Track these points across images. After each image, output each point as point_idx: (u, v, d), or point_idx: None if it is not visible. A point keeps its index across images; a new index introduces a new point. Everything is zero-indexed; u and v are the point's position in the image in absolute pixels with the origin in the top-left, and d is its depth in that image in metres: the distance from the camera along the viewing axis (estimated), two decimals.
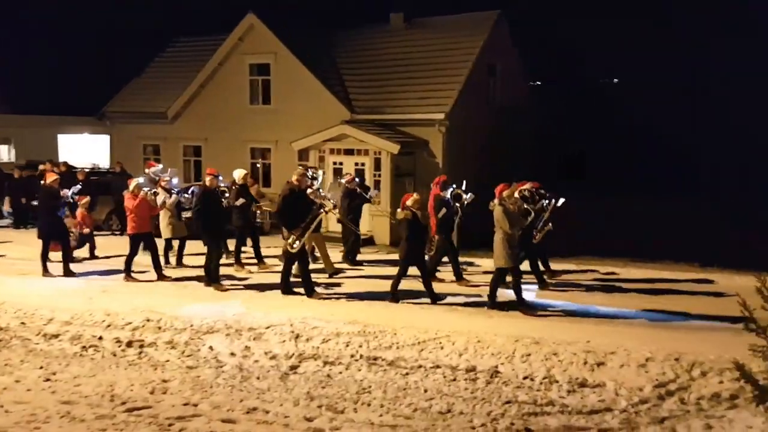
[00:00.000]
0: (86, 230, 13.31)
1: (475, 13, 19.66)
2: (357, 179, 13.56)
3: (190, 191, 12.81)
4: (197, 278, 11.34)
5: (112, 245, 14.06)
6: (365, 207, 13.99)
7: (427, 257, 11.13)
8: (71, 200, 12.39)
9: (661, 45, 27.75)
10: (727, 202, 18.55)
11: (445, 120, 16.93)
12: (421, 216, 10.28)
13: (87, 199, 13.47)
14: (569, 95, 26.71)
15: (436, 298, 10.09)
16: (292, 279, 10.50)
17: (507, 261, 9.58)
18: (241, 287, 11.09)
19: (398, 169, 16.82)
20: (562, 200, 11.44)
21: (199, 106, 20.69)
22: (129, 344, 8.21)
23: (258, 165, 19.72)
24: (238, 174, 12.59)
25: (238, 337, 8.28)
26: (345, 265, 12.86)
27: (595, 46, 29.33)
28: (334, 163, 17.25)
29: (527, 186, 10.87)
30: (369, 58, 19.74)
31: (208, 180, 11.01)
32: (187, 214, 12.54)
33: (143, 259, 11.67)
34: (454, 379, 7.09)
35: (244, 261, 12.41)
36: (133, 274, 11.41)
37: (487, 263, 12.73)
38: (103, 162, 25.59)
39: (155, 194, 11.82)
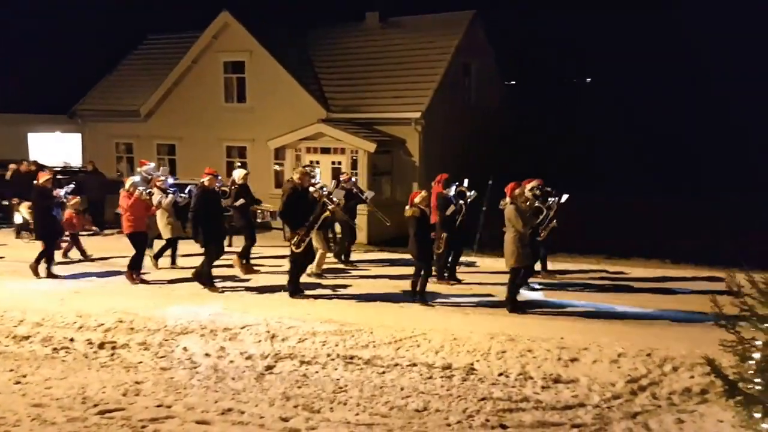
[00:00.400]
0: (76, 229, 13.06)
1: (450, 13, 19.75)
2: (353, 179, 13.42)
3: (187, 191, 12.65)
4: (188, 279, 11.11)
5: (92, 246, 13.75)
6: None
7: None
8: (64, 200, 12.12)
9: (634, 45, 28.08)
10: (706, 198, 18.76)
11: (421, 119, 16.98)
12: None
13: (77, 199, 13.12)
14: (544, 94, 26.95)
15: (424, 300, 9.88)
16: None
17: (519, 260, 9.44)
18: (242, 289, 10.90)
19: (375, 168, 16.84)
20: (566, 196, 11.26)
21: (173, 104, 20.46)
22: (101, 346, 8.07)
23: (238, 164, 19.55)
24: (238, 174, 12.38)
25: (213, 338, 8.20)
26: (341, 266, 12.73)
27: (569, 45, 29.59)
28: (311, 162, 17.17)
29: (534, 183, 10.73)
30: (345, 57, 19.72)
31: (207, 180, 10.80)
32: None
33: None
34: (431, 377, 7.11)
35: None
36: (142, 275, 11.21)
37: (488, 263, 12.89)
38: (75, 161, 25.16)
39: (150, 194, 11.62)
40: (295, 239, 9.98)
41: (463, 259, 12.15)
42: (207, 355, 7.78)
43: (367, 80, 18.61)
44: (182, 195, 12.32)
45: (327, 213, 10.35)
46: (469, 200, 11.37)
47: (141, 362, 7.65)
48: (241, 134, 19.23)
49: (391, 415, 6.22)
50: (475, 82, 20.13)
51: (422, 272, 9.96)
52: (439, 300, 10.16)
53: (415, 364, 7.39)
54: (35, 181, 11.74)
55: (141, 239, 11.23)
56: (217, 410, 6.28)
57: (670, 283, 11.56)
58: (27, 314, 8.90)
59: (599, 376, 6.95)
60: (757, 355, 5.15)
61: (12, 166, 16.30)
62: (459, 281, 11.38)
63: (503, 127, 20.68)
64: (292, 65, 18.87)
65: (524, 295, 10.08)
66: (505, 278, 9.98)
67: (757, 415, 5.07)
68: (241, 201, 11.99)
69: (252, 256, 12.41)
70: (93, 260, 13.13)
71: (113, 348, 8.04)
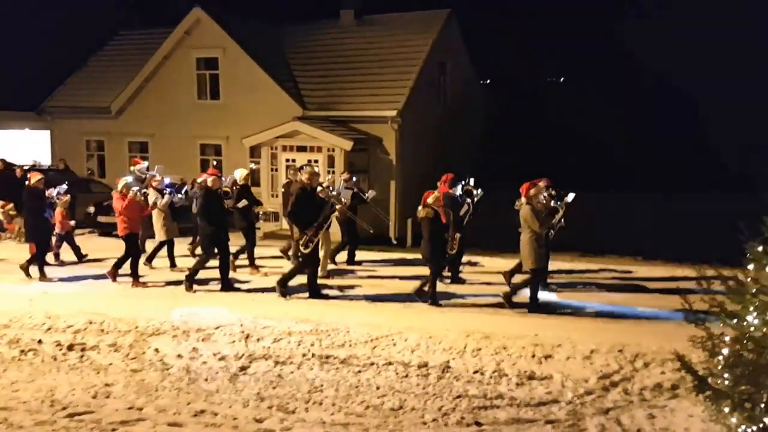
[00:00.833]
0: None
1: (425, 11, 19.77)
2: (354, 179, 13.28)
3: (183, 191, 12.44)
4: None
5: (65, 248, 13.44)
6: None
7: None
8: (57, 200, 11.82)
9: (605, 45, 28.45)
10: (677, 196, 19.00)
11: (398, 117, 16.97)
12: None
13: (67, 197, 12.64)
14: (518, 94, 27.13)
15: (435, 303, 9.72)
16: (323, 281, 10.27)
17: (536, 261, 9.37)
18: (244, 290, 10.73)
19: (352, 166, 16.77)
20: (572, 195, 10.98)
21: (145, 101, 20.15)
22: (70, 347, 7.92)
23: (214, 162, 19.35)
24: (240, 174, 12.18)
25: (185, 339, 8.10)
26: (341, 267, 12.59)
27: (544, 45, 29.83)
28: (287, 160, 17.07)
29: (542, 183, 10.44)
30: (320, 55, 19.61)
31: (210, 180, 10.61)
32: None
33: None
34: (407, 376, 7.11)
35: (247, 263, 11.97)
36: (141, 278, 10.95)
37: (490, 262, 12.81)
38: (44, 159, 24.66)
39: (145, 194, 11.36)
40: (304, 240, 9.85)
41: (466, 259, 12.09)
42: (179, 356, 7.68)
43: (343, 78, 18.53)
44: (179, 196, 12.14)
45: (336, 213, 10.24)
46: (476, 199, 11.20)
47: (111, 364, 7.52)
48: (215, 132, 19.01)
49: (366, 415, 6.21)
50: (451, 81, 20.17)
51: (432, 272, 9.82)
52: (455, 300, 10.07)
53: (391, 363, 7.39)
54: (26, 182, 11.41)
55: (137, 240, 11.02)
56: (190, 412, 6.20)
57: (643, 281, 11.71)
58: None
59: (572, 373, 7.02)
60: (726, 351, 5.23)
61: None
62: (463, 281, 11.30)
63: (478, 126, 20.78)
64: (266, 62, 18.71)
65: (523, 294, 9.91)
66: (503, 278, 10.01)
67: (726, 410, 5.15)
68: (244, 202, 11.76)
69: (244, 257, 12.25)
70: (85, 261, 12.79)
71: (83, 350, 7.89)
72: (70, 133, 21.36)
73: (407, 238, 15.43)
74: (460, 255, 11.31)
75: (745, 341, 5.14)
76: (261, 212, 13.20)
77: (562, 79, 31.71)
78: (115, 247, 13.35)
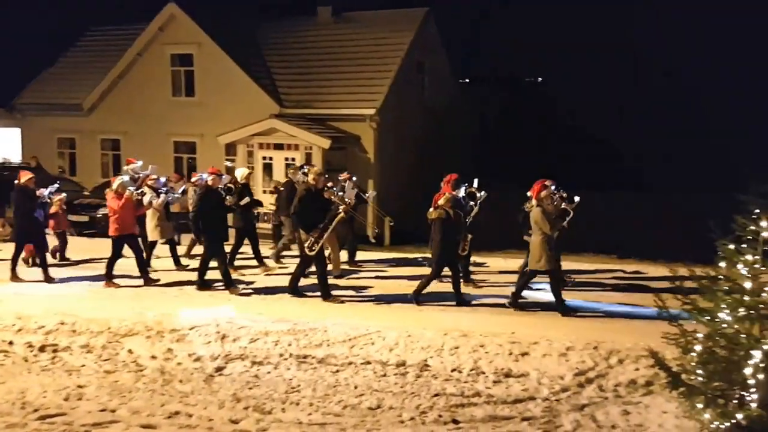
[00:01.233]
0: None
1: (403, 9, 19.76)
2: (354, 178, 13.16)
3: (181, 190, 12.23)
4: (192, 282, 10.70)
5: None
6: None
7: None
8: (48, 200, 11.54)
9: (586, 44, 28.61)
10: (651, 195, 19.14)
11: (376, 115, 16.95)
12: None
13: (62, 196, 12.40)
14: (497, 94, 27.21)
15: (463, 302, 9.70)
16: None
17: (547, 263, 9.29)
18: (249, 292, 10.50)
19: (330, 165, 16.70)
20: (577, 199, 10.77)
21: (118, 98, 19.85)
22: (42, 349, 7.77)
23: (189, 160, 19.14)
24: (241, 173, 12.03)
25: (159, 339, 7.99)
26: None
27: (522, 44, 29.96)
28: (264, 158, 16.96)
29: (548, 183, 10.21)
30: (297, 52, 19.49)
31: (210, 179, 10.45)
32: None
33: (123, 262, 10.91)
34: (385, 375, 7.09)
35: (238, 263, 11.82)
36: (115, 279, 10.67)
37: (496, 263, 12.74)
38: (15, 157, 24.16)
39: (142, 194, 11.14)
40: (309, 242, 9.72)
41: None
42: (153, 357, 7.58)
43: (321, 75, 18.44)
44: (176, 195, 11.97)
45: (341, 214, 10.11)
46: (479, 201, 11.10)
47: (84, 365, 7.40)
48: (190, 129, 18.80)
49: (344, 414, 6.18)
50: (429, 80, 20.20)
51: (452, 274, 9.75)
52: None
53: (369, 362, 7.37)
54: (16, 181, 11.14)
55: (123, 243, 10.71)
56: (164, 414, 6.11)
57: (618, 279, 11.85)
58: None
59: (548, 370, 7.07)
60: (698, 347, 5.31)
61: None
62: (475, 282, 11.13)
63: (456, 126, 20.83)
64: (242, 58, 18.55)
65: (528, 296, 9.95)
66: (504, 278, 9.99)
67: (700, 406, 5.23)
68: (246, 200, 11.54)
69: (243, 256, 12.10)
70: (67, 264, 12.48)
71: (54, 351, 7.75)
72: (41, 131, 20.97)
73: (385, 237, 15.41)
74: (468, 256, 11.21)
75: (717, 338, 5.23)
76: (261, 213, 13.13)
77: (539, 79, 31.88)
78: (89, 248, 13.17)
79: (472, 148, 21.13)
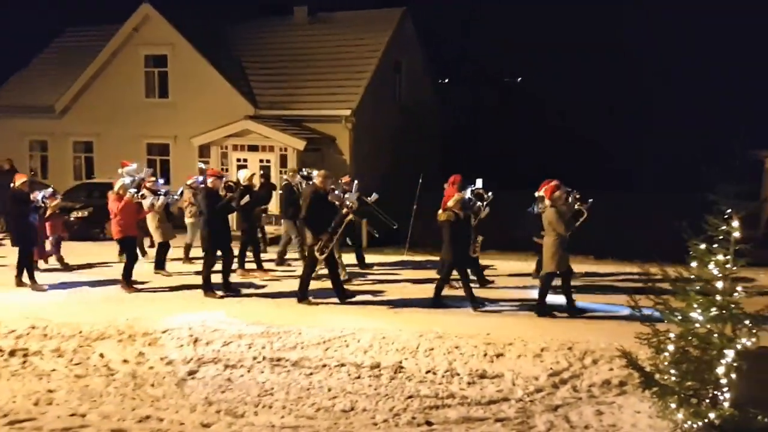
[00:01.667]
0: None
1: (379, 9, 19.75)
2: (356, 182, 13.04)
3: (179, 192, 12.07)
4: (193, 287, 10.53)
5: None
6: None
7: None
8: (42, 204, 11.25)
9: (564, 44, 28.70)
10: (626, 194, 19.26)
11: (352, 116, 16.90)
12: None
13: (57, 200, 12.03)
14: (475, 93, 27.28)
15: (477, 305, 9.52)
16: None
17: (559, 264, 9.23)
18: (251, 295, 10.39)
19: (304, 165, 16.59)
20: (591, 200, 10.59)
21: (91, 100, 19.53)
22: (12, 353, 7.61)
23: (162, 161, 18.89)
24: (244, 175, 11.80)
25: (131, 343, 7.86)
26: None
27: (500, 44, 29.96)
28: (238, 160, 16.80)
29: (555, 184, 10.01)
30: (272, 52, 19.37)
31: (210, 181, 10.31)
32: None
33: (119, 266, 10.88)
34: (359, 377, 7.05)
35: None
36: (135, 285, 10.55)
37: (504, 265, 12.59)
38: None
39: (142, 197, 11.01)
40: (318, 245, 9.57)
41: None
42: (125, 361, 7.45)
43: (296, 76, 18.34)
44: (175, 197, 11.85)
45: (350, 217, 9.95)
46: (486, 202, 10.96)
47: (54, 370, 7.25)
48: (163, 131, 18.56)
49: (317, 417, 6.12)
50: (406, 80, 20.20)
51: (462, 277, 9.64)
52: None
53: (343, 364, 7.32)
54: (11, 184, 10.89)
55: (131, 244, 10.65)
56: (135, 418, 6.02)
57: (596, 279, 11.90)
58: None
59: (523, 371, 7.08)
60: (671, 347, 5.36)
61: None
62: (490, 282, 11.11)
63: (434, 126, 20.85)
64: (217, 59, 18.37)
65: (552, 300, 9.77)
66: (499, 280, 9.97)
67: (673, 405, 5.27)
68: (246, 199, 11.36)
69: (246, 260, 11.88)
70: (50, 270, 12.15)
71: (25, 355, 7.60)
72: (11, 133, 20.50)
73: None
74: (476, 258, 11.08)
75: (690, 338, 5.28)
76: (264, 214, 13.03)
77: (519, 79, 31.98)
78: (70, 252, 12.82)
79: (443, 149, 21.14)
